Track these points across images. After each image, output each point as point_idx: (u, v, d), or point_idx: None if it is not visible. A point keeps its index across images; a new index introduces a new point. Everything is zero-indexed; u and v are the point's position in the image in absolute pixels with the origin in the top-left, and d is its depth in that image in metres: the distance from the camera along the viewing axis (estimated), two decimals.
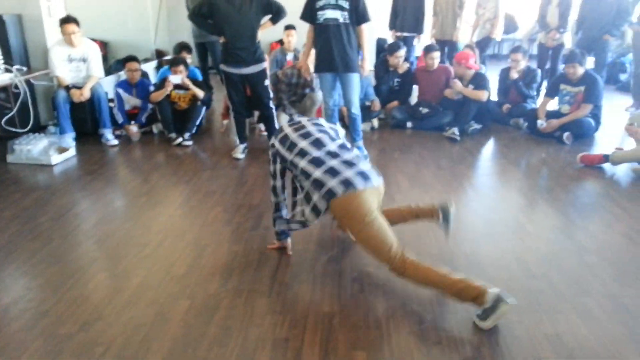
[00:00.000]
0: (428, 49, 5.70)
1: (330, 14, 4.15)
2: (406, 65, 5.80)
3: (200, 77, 5.87)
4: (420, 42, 6.99)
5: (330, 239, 3.07)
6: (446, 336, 2.19)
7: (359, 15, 4.18)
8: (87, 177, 4.14)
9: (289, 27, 6.25)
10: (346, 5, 4.11)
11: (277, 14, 4.37)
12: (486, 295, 2.20)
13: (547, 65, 6.70)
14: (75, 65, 4.95)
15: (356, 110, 4.43)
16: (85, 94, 4.86)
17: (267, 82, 4.54)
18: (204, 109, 5.27)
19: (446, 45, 6.79)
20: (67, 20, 4.82)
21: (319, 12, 4.18)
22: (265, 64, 4.53)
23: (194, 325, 2.27)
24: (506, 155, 4.64)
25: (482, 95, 5.24)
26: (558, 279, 2.62)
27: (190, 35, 6.91)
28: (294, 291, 2.53)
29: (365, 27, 4.26)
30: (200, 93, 5.16)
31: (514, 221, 3.32)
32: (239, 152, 4.62)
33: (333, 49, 4.19)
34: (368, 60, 4.41)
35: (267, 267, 2.76)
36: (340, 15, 4.14)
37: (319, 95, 5.15)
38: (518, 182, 4.08)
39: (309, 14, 4.26)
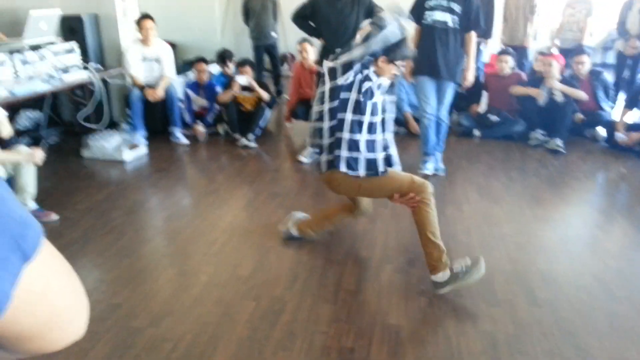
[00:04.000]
0: (501, 53, 5.53)
1: (439, 15, 3.89)
2: None
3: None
4: (488, 48, 6.80)
5: (394, 247, 3.00)
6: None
7: (470, 21, 3.91)
8: (157, 175, 4.26)
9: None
10: (458, 9, 3.84)
11: None
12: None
13: (626, 75, 6.35)
14: (149, 65, 5.11)
15: (445, 117, 4.17)
16: (160, 93, 5.01)
17: None
18: (268, 111, 5.32)
19: (515, 50, 6.55)
20: (144, 16, 5.01)
21: (428, 12, 3.92)
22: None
23: (259, 327, 2.27)
24: (582, 169, 4.41)
25: (583, 95, 4.91)
26: None
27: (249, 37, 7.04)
28: (360, 300, 2.48)
29: (473, 35, 3.98)
30: (266, 95, 5.20)
31: (591, 238, 3.14)
32: (307, 156, 4.50)
33: (437, 53, 3.92)
34: (472, 69, 4.11)
35: (331, 273, 2.72)
36: (450, 19, 3.87)
37: None
38: (595, 197, 3.87)
39: (417, 12, 3.96)
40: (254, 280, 2.65)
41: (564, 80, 5.01)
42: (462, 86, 4.20)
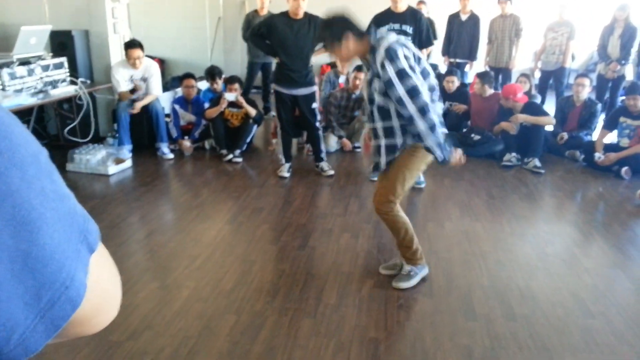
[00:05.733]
0: (482, 76, 5.64)
1: None
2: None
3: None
4: (473, 69, 6.95)
5: (376, 262, 3.04)
6: None
7: (422, 40, 4.24)
8: (142, 189, 4.27)
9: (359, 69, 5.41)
10: (410, 30, 4.17)
11: None
12: (421, 262, 2.76)
13: (606, 97, 6.51)
14: (136, 84, 5.14)
15: None
16: (137, 107, 5.01)
17: (316, 105, 4.59)
18: (255, 127, 5.36)
19: (500, 72, 6.71)
20: (132, 45, 4.98)
21: None
22: (315, 88, 4.59)
23: (239, 342, 2.28)
24: (561, 188, 4.50)
25: (550, 120, 5.17)
26: (617, 319, 2.49)
27: (245, 54, 7.10)
28: (339, 314, 2.51)
29: (425, 51, 4.34)
30: (253, 111, 5.26)
31: (569, 256, 3.19)
32: (285, 171, 4.64)
33: None
34: None
35: (313, 287, 2.75)
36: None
37: None
38: (573, 215, 3.94)
39: None
40: (236, 294, 2.66)
41: (530, 107, 5.17)
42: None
